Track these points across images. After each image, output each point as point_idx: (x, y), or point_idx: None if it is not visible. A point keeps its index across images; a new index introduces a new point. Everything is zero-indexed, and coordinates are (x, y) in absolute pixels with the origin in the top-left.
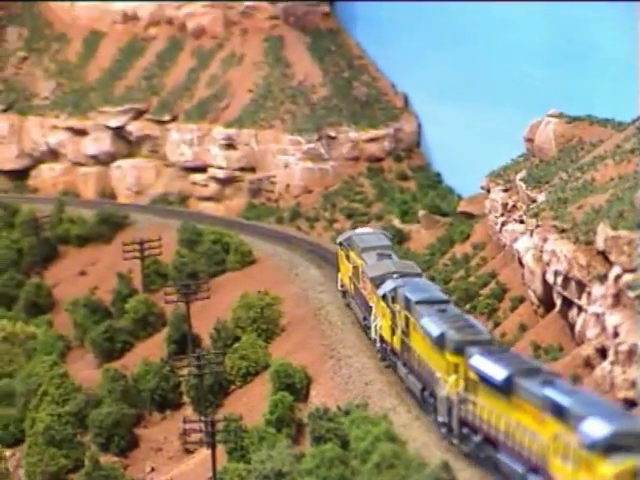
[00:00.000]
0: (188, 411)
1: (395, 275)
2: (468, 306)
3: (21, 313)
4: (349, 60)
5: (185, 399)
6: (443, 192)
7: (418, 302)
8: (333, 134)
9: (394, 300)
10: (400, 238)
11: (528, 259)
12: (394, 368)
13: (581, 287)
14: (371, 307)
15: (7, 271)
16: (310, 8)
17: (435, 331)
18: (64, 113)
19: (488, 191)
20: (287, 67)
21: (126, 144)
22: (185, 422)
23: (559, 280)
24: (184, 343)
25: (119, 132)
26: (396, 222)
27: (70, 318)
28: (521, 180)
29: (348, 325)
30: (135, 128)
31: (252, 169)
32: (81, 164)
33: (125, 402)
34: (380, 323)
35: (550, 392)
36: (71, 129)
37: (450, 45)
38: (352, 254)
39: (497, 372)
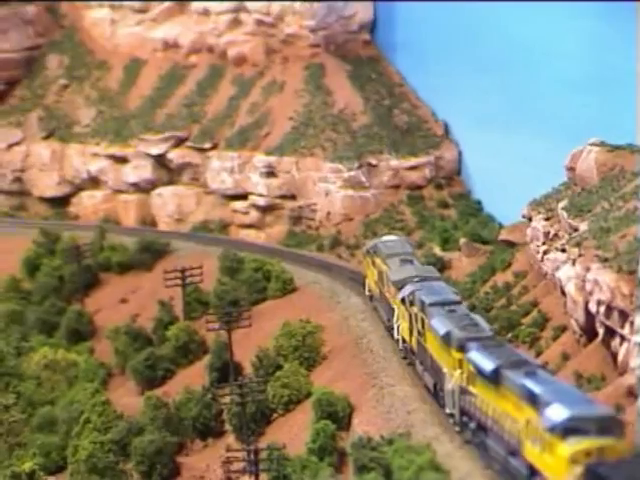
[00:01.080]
0: (230, 439)
1: (416, 279)
2: (510, 335)
3: (62, 340)
4: (390, 88)
5: (227, 427)
6: (484, 220)
7: (431, 304)
8: (374, 162)
9: (412, 303)
10: (441, 266)
11: (570, 288)
12: (413, 366)
13: (624, 316)
14: (394, 309)
15: (48, 298)
16: (350, 36)
17: (442, 330)
18: (105, 140)
19: (530, 219)
20: (328, 95)
21: (167, 172)
22: (228, 450)
23: (602, 309)
24: (226, 371)
25: (160, 160)
26: (437, 250)
27: (111, 345)
28: (563, 209)
29: (390, 354)
30: (176, 156)
31: (293, 197)
32: (122, 191)
33: (167, 430)
34: (401, 324)
35: (527, 381)
36: (112, 156)
37: (490, 72)
38: (377, 260)
39: (487, 364)
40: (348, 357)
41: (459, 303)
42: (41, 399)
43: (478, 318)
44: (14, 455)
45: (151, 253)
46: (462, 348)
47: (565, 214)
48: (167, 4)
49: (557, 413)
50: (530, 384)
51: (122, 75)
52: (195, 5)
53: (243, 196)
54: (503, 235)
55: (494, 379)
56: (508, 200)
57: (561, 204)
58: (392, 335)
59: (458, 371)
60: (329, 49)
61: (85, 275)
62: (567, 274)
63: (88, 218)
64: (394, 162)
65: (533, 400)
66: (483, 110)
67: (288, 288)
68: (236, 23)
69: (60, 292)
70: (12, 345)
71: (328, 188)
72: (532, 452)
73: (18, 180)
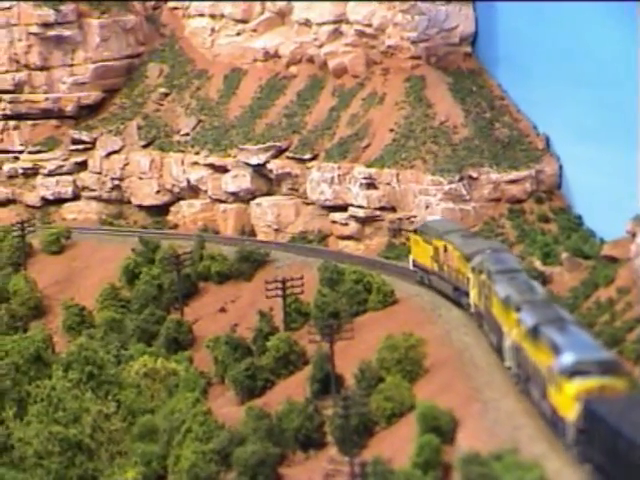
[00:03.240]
0: (332, 451)
1: (488, 250)
2: (614, 351)
3: (161, 349)
4: (490, 101)
5: (329, 439)
6: (584, 235)
7: (496, 272)
8: (474, 175)
9: (480, 271)
10: (542, 280)
11: None
12: (482, 328)
13: None
14: (468, 278)
15: (147, 307)
16: (452, 48)
17: (503, 293)
18: (204, 150)
19: (633, 235)
20: (428, 107)
21: (266, 182)
22: (331, 463)
23: None
24: (327, 383)
25: (259, 169)
26: (537, 264)
27: (210, 355)
28: None
29: (494, 367)
30: (275, 166)
31: (392, 209)
32: (221, 201)
33: (269, 441)
34: (472, 291)
35: (555, 334)
36: (211, 166)
37: (591, 86)
38: (432, 238)
39: (529, 321)
40: (451, 370)
41: (520, 271)
42: (141, 408)
43: (535, 284)
44: (115, 464)
45: (250, 263)
46: (519, 309)
47: None
48: (268, 14)
49: (567, 358)
50: (556, 336)
51: (222, 84)
52: (296, 15)
53: (342, 207)
54: (606, 250)
55: (534, 334)
56: (608, 215)
57: None
58: (465, 303)
59: (515, 330)
60: (430, 61)
61: (184, 284)
62: None
63: (187, 227)
64: (495, 175)
65: (556, 350)
66: (584, 124)
67: (389, 300)
68: (337, 34)
69: (159, 301)
70: (112, 353)
71: (428, 200)
72: (551, 393)
73: (117, 188)
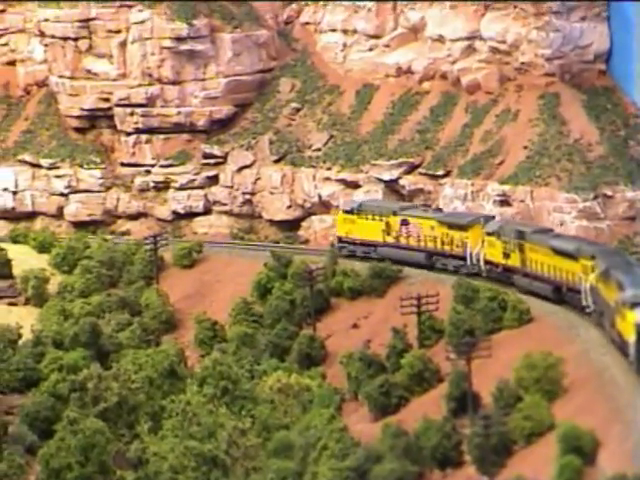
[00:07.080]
0: (470, 470)
1: (482, 218)
2: None
3: (294, 365)
4: (625, 119)
5: (466, 458)
6: None
7: (533, 232)
8: (609, 193)
9: (502, 234)
10: None
11: None
12: (504, 280)
13: None
14: (443, 246)
15: (280, 322)
16: (586, 66)
17: (571, 247)
18: (336, 165)
19: None
20: (563, 124)
21: (398, 197)
22: None
23: None
24: (463, 401)
25: (391, 185)
26: None
27: (344, 371)
28: None
29: (636, 388)
30: (408, 182)
31: None
32: None
33: (407, 459)
34: (485, 251)
35: (620, 275)
36: (343, 181)
37: None
38: (382, 215)
39: (601, 266)
40: (591, 390)
41: (552, 230)
42: (275, 423)
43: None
44: (250, 479)
45: (383, 279)
46: (593, 257)
47: None
48: (401, 30)
49: (629, 293)
50: (622, 277)
51: (354, 100)
52: (429, 31)
53: None
54: None
55: (605, 276)
56: None
57: None
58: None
59: (592, 275)
60: (564, 78)
61: (317, 300)
62: None
63: (318, 242)
64: (630, 194)
65: (621, 287)
66: None
67: (524, 319)
68: (470, 50)
69: (291, 316)
70: (245, 368)
71: (563, 218)
72: (619, 323)
73: (248, 203)
